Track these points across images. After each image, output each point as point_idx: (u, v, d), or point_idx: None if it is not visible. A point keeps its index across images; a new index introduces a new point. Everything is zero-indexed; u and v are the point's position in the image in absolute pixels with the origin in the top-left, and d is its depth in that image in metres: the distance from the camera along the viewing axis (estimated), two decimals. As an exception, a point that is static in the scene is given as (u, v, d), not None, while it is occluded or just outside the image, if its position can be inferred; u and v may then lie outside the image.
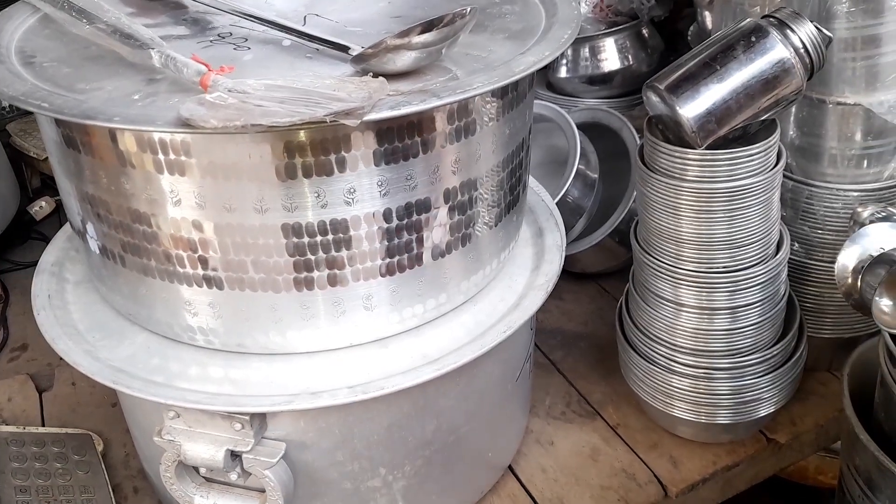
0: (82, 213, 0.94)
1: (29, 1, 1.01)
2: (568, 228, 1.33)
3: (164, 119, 0.70)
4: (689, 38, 1.73)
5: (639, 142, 1.50)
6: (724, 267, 1.06)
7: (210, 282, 0.87)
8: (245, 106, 0.64)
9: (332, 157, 0.80)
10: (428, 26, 0.79)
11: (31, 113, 2.11)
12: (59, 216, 2.02)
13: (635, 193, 1.46)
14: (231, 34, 0.97)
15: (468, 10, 0.78)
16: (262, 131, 0.68)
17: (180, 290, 0.89)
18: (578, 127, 1.53)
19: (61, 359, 1.52)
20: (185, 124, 0.66)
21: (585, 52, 1.83)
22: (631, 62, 1.85)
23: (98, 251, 0.95)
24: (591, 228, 1.53)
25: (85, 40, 0.93)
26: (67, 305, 1.03)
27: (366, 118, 0.68)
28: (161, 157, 0.80)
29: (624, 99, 1.89)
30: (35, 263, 1.79)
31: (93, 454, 1.23)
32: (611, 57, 1.84)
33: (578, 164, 1.45)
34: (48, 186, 2.06)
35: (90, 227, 0.94)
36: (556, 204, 1.24)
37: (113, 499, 1.15)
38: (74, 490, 1.13)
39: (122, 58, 0.88)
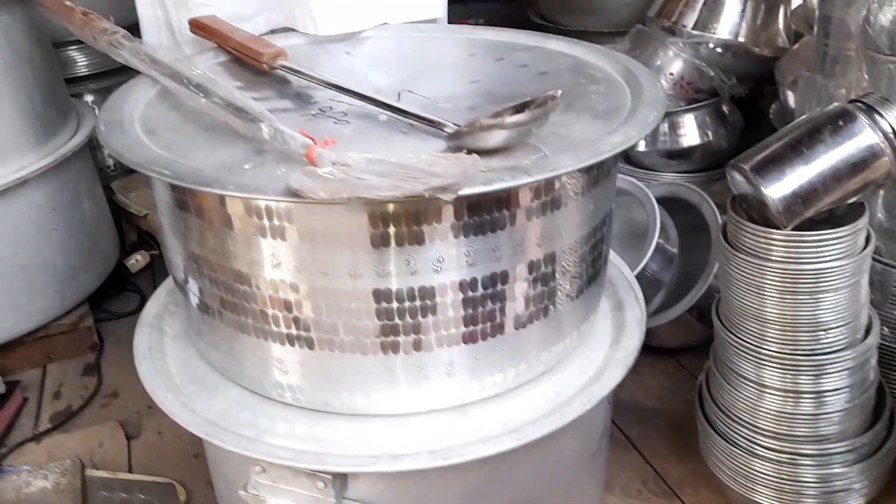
0: (185, 270, 1.00)
1: (150, 74, 1.10)
2: (646, 302, 1.33)
3: (274, 189, 0.76)
4: (770, 116, 1.74)
5: (719, 218, 1.50)
6: (810, 350, 1.04)
7: (301, 341, 0.91)
8: (349, 180, 0.68)
9: (424, 227, 0.84)
10: (520, 107, 0.83)
11: (133, 172, 2.28)
12: (152, 269, 2.13)
13: (716, 270, 1.46)
14: (331, 108, 1.03)
15: (558, 93, 0.82)
16: (364, 203, 0.72)
17: (272, 348, 0.94)
18: (658, 201, 1.54)
19: (149, 407, 1.60)
20: (295, 195, 0.71)
21: (665, 127, 1.86)
22: (710, 138, 1.87)
23: (197, 306, 1.01)
24: (670, 302, 1.52)
25: (200, 112, 1.01)
26: (166, 357, 1.08)
27: (460, 193, 0.71)
28: (265, 222, 0.85)
29: (703, 174, 1.90)
30: (129, 314, 1.93)
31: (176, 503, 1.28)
32: (690, 132, 1.86)
33: (658, 238, 1.45)
34: (144, 241, 2.18)
35: (192, 283, 1.00)
36: (636, 277, 1.25)
37: (192, 548, 1.19)
38: (157, 537, 1.18)
39: (233, 129, 0.95)
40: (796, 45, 1.69)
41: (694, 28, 1.79)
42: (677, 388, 1.54)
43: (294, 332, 0.91)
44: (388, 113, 0.98)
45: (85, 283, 1.76)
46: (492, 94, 1.05)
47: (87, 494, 1.17)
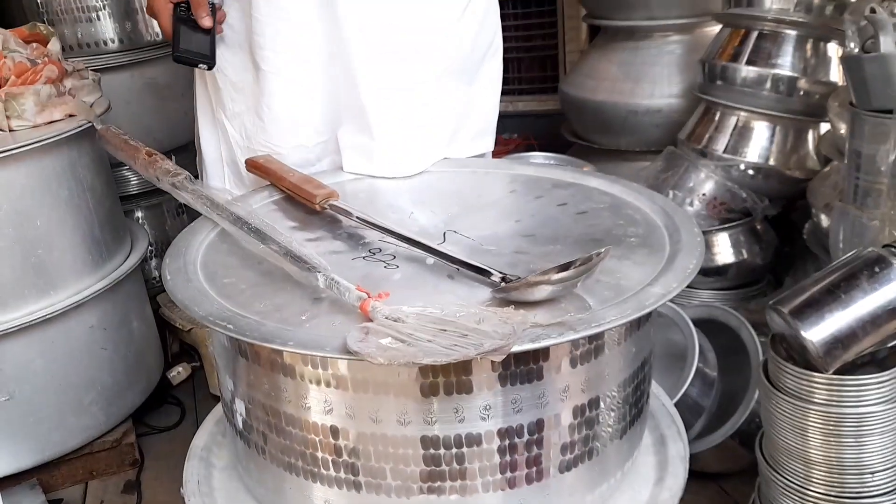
0: (237, 409, 1.03)
1: (211, 217, 1.16)
2: (687, 427, 1.33)
3: (332, 346, 0.79)
4: (804, 236, 1.76)
5: (758, 342, 1.51)
6: (857, 493, 1.03)
7: (349, 485, 0.93)
8: (405, 347, 0.72)
9: (471, 378, 0.86)
10: (566, 266, 0.86)
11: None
12: (192, 382, 2.17)
13: (757, 396, 1.46)
14: (381, 250, 1.08)
15: (604, 251, 0.86)
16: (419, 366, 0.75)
17: (321, 490, 0.96)
18: (695, 323, 1.56)
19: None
20: (355, 356, 0.75)
21: (699, 245, 1.89)
22: (745, 256, 1.89)
23: (245, 443, 1.04)
24: (711, 427, 1.52)
25: (257, 256, 1.06)
26: (214, 492, 1.10)
27: (508, 353, 0.75)
28: (318, 371, 0.89)
29: (739, 290, 1.92)
30: (170, 428, 1.96)
31: None
32: (724, 251, 1.89)
33: (697, 362, 1.46)
34: (185, 352, 2.23)
35: (240, 421, 1.03)
36: (675, 404, 1.25)
37: None
38: None
39: (288, 275, 1.00)
40: (828, 168, 1.73)
41: (724, 152, 1.85)
42: (721, 516, 1.51)
43: (342, 475, 0.93)
44: (436, 258, 1.03)
45: (130, 399, 1.80)
46: (534, 236, 1.09)
47: None
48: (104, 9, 2.16)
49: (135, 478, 1.77)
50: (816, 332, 0.97)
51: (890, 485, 1.03)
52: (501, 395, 0.89)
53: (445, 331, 0.78)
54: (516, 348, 0.77)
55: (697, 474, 1.59)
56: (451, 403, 0.88)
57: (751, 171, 1.84)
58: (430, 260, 1.03)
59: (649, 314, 1.01)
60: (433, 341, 0.75)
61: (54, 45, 1.71)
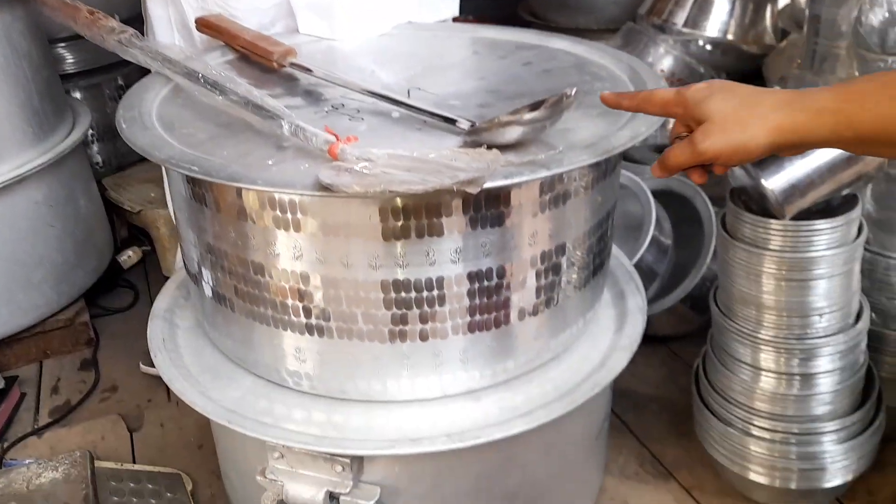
0: (201, 261, 1.02)
1: (163, 72, 1.11)
2: (642, 292, 1.38)
3: (303, 183, 0.78)
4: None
5: (712, 210, 1.55)
6: (805, 334, 1.09)
7: (319, 331, 0.94)
8: (380, 174, 0.71)
9: (437, 220, 0.86)
10: (535, 105, 0.86)
11: (123, 169, 2.28)
12: (144, 265, 2.13)
13: (709, 260, 1.51)
14: (343, 105, 1.05)
15: (573, 91, 0.85)
16: (394, 196, 0.74)
17: (290, 338, 0.96)
18: (651, 194, 1.58)
19: (149, 400, 1.61)
20: (327, 189, 0.74)
21: (654, 122, 1.90)
22: (698, 133, 1.91)
23: (212, 297, 1.03)
24: (664, 292, 1.57)
25: (214, 109, 1.03)
26: (179, 349, 1.10)
27: (484, 186, 0.75)
28: (286, 215, 0.88)
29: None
30: (124, 310, 1.94)
31: (183, 493, 1.30)
32: (679, 127, 1.90)
33: (653, 230, 1.49)
34: (134, 237, 2.18)
35: (207, 275, 1.02)
36: (632, 268, 1.29)
37: (204, 537, 1.21)
38: (169, 527, 1.19)
39: (249, 125, 0.97)
40: (784, 43, 1.74)
41: (684, 26, 1.84)
42: (671, 375, 1.58)
43: (312, 321, 0.94)
44: (402, 110, 1.01)
45: (81, 278, 1.76)
46: (499, 92, 1.08)
47: (97, 485, 1.18)
48: None
49: (91, 356, 1.76)
50: (776, 181, 1.00)
51: (836, 326, 1.09)
52: (470, 239, 0.89)
53: (419, 168, 0.77)
54: (490, 184, 0.77)
55: (649, 338, 1.64)
56: (417, 247, 0.88)
57: (709, 47, 1.84)
58: (396, 113, 1.02)
59: (617, 160, 1.02)
60: (402, 175, 0.74)
61: None
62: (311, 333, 0.95)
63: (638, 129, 0.91)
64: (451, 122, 0.95)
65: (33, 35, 1.60)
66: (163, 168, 1.59)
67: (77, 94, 2.28)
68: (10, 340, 1.67)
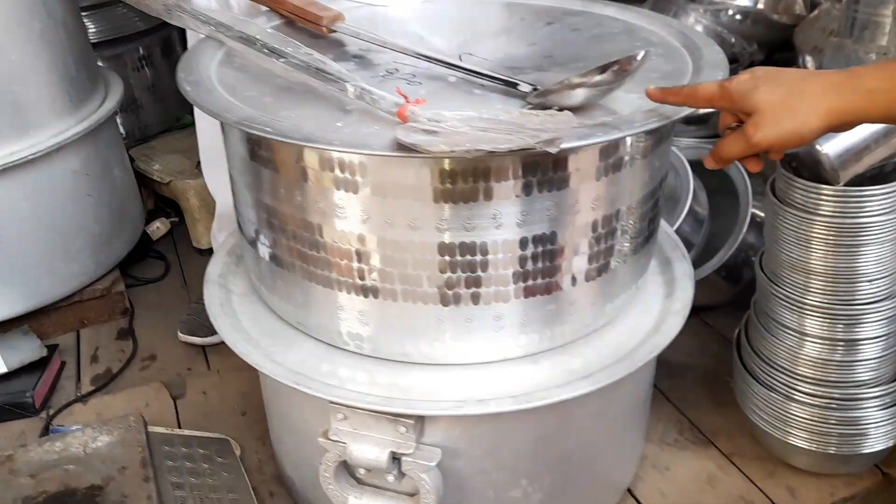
0: (258, 223, 1.03)
1: (215, 37, 1.12)
2: (678, 261, 1.39)
3: (381, 144, 0.79)
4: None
5: (747, 180, 1.56)
6: (852, 299, 1.10)
7: (380, 293, 0.95)
8: (468, 132, 0.72)
9: (495, 183, 0.87)
10: (603, 68, 0.86)
11: (149, 140, 2.28)
12: (172, 236, 2.14)
13: (744, 231, 1.52)
14: (398, 70, 1.06)
15: (640, 54, 0.86)
16: (482, 156, 0.74)
17: (352, 301, 0.98)
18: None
19: (189, 369, 1.63)
20: (410, 149, 0.75)
21: (683, 93, 1.90)
22: (727, 104, 1.91)
23: (270, 259, 1.04)
24: (698, 263, 1.58)
25: (270, 73, 1.03)
26: (237, 314, 1.12)
27: (562, 146, 0.75)
28: (340, 174, 0.88)
29: (718, 139, 1.95)
30: (156, 280, 1.95)
31: (233, 458, 1.32)
32: (708, 98, 1.90)
33: (691, 200, 1.50)
34: (160, 209, 2.19)
35: (264, 237, 1.03)
36: (672, 236, 1.30)
37: (255, 501, 1.23)
38: (222, 490, 1.21)
39: (309, 89, 0.97)
40: (815, 13, 1.74)
41: (714, -5, 1.83)
42: (705, 344, 1.60)
43: (371, 283, 0.95)
44: (458, 74, 1.01)
45: (116, 248, 1.78)
46: (552, 57, 1.08)
47: (152, 448, 1.20)
48: None
49: (127, 325, 1.77)
50: (832, 146, 1.01)
51: (884, 291, 1.10)
52: (528, 203, 0.90)
53: (493, 129, 0.78)
54: (568, 143, 0.78)
55: (682, 307, 1.67)
56: (480, 209, 0.88)
57: (739, 16, 1.83)
58: (452, 78, 1.02)
59: (670, 131, 1.03)
60: (485, 135, 0.75)
61: None
62: (373, 296, 0.96)
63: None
64: (513, 85, 0.95)
65: (68, 2, 1.59)
66: (198, 136, 1.60)
67: (99, 64, 2.27)
68: (48, 309, 1.68)
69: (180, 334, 1.69)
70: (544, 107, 0.87)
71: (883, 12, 1.31)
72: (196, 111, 1.57)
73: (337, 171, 0.89)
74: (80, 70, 1.62)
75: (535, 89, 0.93)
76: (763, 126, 0.76)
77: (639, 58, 0.86)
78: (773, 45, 1.93)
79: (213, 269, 1.20)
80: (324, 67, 0.95)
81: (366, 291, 0.96)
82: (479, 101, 0.95)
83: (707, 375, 1.52)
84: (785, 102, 0.75)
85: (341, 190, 0.91)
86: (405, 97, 0.85)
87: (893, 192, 1.04)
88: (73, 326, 1.75)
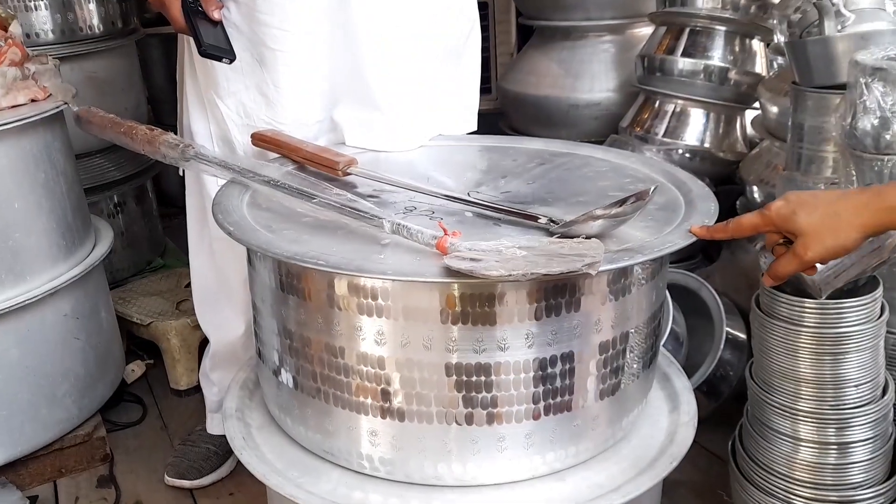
0: (281, 350, 1.07)
1: (240, 181, 1.19)
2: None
3: (432, 272, 0.86)
4: (737, 209, 1.96)
5: (719, 300, 1.68)
6: (841, 404, 1.19)
7: (407, 415, 0.99)
8: (519, 259, 0.80)
9: (514, 307, 0.94)
10: (621, 202, 0.97)
11: (126, 282, 2.29)
12: (147, 379, 2.11)
13: (722, 348, 1.62)
14: (416, 208, 1.14)
15: (653, 188, 0.97)
16: (535, 279, 0.82)
17: (381, 426, 1.00)
18: (657, 288, 1.71)
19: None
20: (465, 275, 0.81)
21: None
22: (684, 233, 2.06)
23: (294, 386, 1.07)
24: (679, 380, 1.66)
25: (296, 213, 1.10)
26: (259, 447, 1.12)
27: (600, 269, 0.84)
28: (380, 302, 0.95)
29: (680, 264, 2.09)
30: (135, 424, 1.91)
31: None
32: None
33: (671, 322, 1.61)
34: (133, 352, 2.17)
35: (288, 362, 1.06)
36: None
37: None
38: None
39: (341, 226, 1.05)
40: (756, 150, 1.94)
41: (664, 136, 2.02)
42: (693, 458, 1.64)
43: (403, 406, 0.98)
44: (475, 209, 1.10)
45: (100, 392, 1.75)
46: (554, 193, 1.19)
47: None
48: (44, -2, 2.09)
49: (108, 472, 1.71)
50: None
51: (868, 396, 1.20)
52: (539, 326, 0.96)
53: (535, 257, 0.86)
54: (606, 266, 0.87)
55: (667, 425, 1.73)
56: (494, 332, 0.94)
57: (688, 155, 2.03)
58: (469, 213, 1.11)
59: (666, 258, 1.13)
60: (528, 262, 0.83)
61: (16, 28, 1.66)
62: (399, 419, 0.99)
63: (702, 220, 1.03)
64: (532, 218, 1.05)
65: (68, 153, 1.65)
66: (192, 277, 1.63)
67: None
68: (25, 460, 1.63)
69: (168, 478, 1.65)
70: (569, 236, 0.96)
71: (826, 148, 1.48)
72: (191, 254, 1.61)
73: (370, 299, 0.95)
74: (76, 217, 1.66)
75: (551, 221, 1.03)
76: (812, 246, 0.89)
77: (651, 191, 0.97)
78: (720, 179, 2.13)
79: (230, 403, 1.21)
80: (357, 206, 1.03)
81: (393, 414, 1.00)
82: (502, 234, 1.03)
83: (699, 490, 1.57)
84: (824, 224, 0.89)
85: (372, 315, 0.96)
86: (444, 230, 0.93)
87: (868, 303, 1.16)
88: (51, 476, 1.69)
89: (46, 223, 1.56)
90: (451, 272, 0.84)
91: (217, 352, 1.63)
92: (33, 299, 1.51)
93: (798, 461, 1.24)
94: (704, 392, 1.67)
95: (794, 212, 0.91)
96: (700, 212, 1.07)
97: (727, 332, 1.67)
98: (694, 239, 0.98)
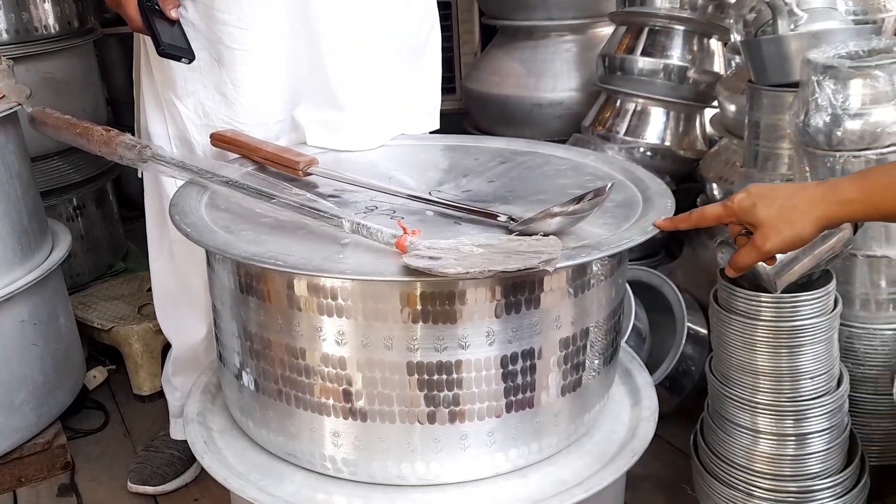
0: (242, 353, 1.06)
1: (198, 182, 1.18)
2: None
3: (391, 271, 0.86)
4: (698, 204, 1.98)
5: (680, 296, 1.70)
6: (798, 396, 1.22)
7: (369, 416, 0.99)
8: (476, 257, 0.80)
9: (475, 306, 0.94)
10: (578, 199, 0.97)
11: (87, 287, 2.25)
12: (109, 385, 2.08)
13: (683, 343, 1.64)
14: (377, 207, 1.14)
15: (609, 185, 0.98)
16: (492, 276, 0.83)
17: (343, 426, 1.00)
18: (620, 285, 1.72)
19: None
20: (423, 273, 0.82)
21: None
22: (646, 230, 2.09)
23: (255, 389, 1.06)
24: (643, 375, 1.68)
25: (255, 212, 1.09)
26: (221, 451, 1.11)
27: (558, 266, 0.84)
28: (340, 301, 0.94)
29: (640, 262, 2.12)
30: (94, 431, 1.88)
31: None
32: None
33: (633, 318, 1.62)
34: (95, 358, 2.13)
35: (249, 365, 1.06)
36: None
37: None
38: None
39: (301, 226, 1.04)
40: (715, 148, 1.97)
41: (626, 134, 2.04)
42: (656, 453, 1.67)
43: (365, 407, 0.98)
44: (436, 209, 1.10)
45: (59, 399, 1.72)
46: (514, 192, 1.20)
47: None
48: (-3, -3, 2.05)
49: (69, 481, 1.68)
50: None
51: (823, 388, 1.22)
52: (500, 323, 0.96)
53: (494, 254, 0.86)
54: (563, 263, 0.87)
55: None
56: (450, 331, 0.94)
57: (649, 153, 2.05)
58: (430, 212, 1.11)
59: (626, 254, 1.14)
60: (494, 256, 0.83)
61: (-33, 28, 1.62)
62: (361, 419, 0.99)
63: (660, 215, 1.04)
64: (492, 216, 1.05)
65: (23, 155, 1.62)
66: (153, 281, 1.61)
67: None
68: (-18, 468, 1.59)
69: (130, 484, 1.63)
70: (527, 233, 0.97)
71: (781, 145, 1.51)
72: (151, 257, 1.59)
73: (329, 299, 0.95)
74: (31, 221, 1.63)
75: (510, 219, 1.03)
76: (770, 237, 0.92)
77: (607, 188, 0.98)
78: (680, 177, 2.15)
79: (191, 408, 1.20)
80: (316, 205, 1.03)
81: (355, 415, 1.00)
82: (462, 232, 1.04)
83: (663, 484, 1.58)
84: (781, 215, 0.91)
85: (333, 316, 0.96)
86: (404, 228, 0.93)
87: (821, 296, 1.18)
88: (10, 486, 1.65)
89: (1, 228, 1.52)
90: (409, 271, 0.84)
91: (179, 356, 1.61)
92: (-12, 305, 1.48)
93: (757, 453, 1.26)
94: (667, 388, 1.69)
95: (755, 204, 0.93)
96: (657, 208, 1.08)
97: (689, 328, 1.69)
98: (651, 234, 0.99)
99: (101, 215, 2.43)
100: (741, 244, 0.97)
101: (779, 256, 1.13)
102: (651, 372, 1.67)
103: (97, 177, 2.41)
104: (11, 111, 1.52)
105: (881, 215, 0.89)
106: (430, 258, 0.85)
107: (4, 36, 2.09)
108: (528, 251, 0.85)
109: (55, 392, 1.69)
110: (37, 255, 1.64)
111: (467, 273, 0.79)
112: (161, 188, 1.49)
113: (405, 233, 0.93)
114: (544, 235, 0.93)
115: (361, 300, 0.94)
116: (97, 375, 2.05)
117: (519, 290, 0.96)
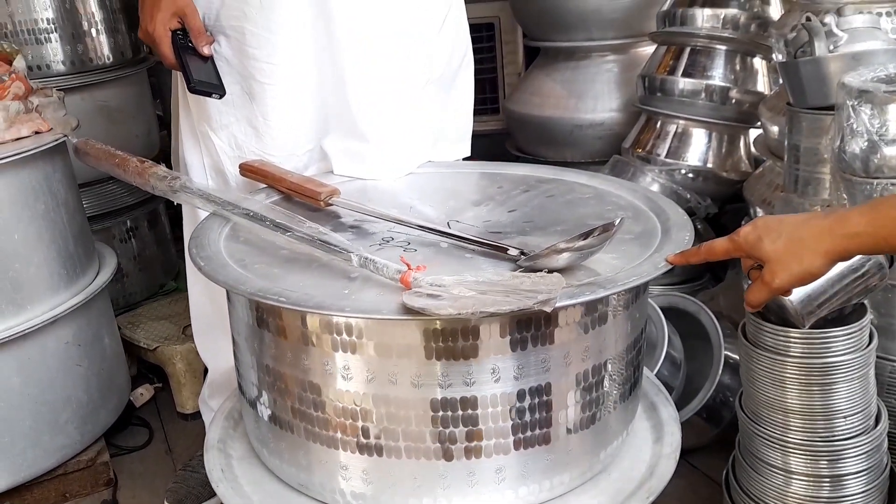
0: (258, 384, 1.08)
1: (221, 214, 1.20)
2: (660, 406, 1.44)
3: (390, 309, 0.86)
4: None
5: (717, 323, 1.65)
6: (831, 436, 1.16)
7: (383, 451, 0.99)
8: (470, 297, 0.79)
9: (487, 342, 0.93)
10: (586, 234, 0.96)
11: (135, 307, 2.33)
12: (155, 403, 2.14)
13: (720, 372, 1.59)
14: (393, 238, 1.15)
15: (618, 220, 0.96)
16: (486, 317, 0.82)
17: (356, 461, 1.00)
18: (657, 312, 1.68)
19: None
20: (419, 312, 0.81)
21: (647, 245, 2.03)
22: (689, 253, 2.04)
23: (270, 420, 1.07)
24: (678, 406, 1.63)
25: (274, 245, 1.11)
26: (237, 479, 1.13)
27: (556, 305, 0.83)
28: (341, 337, 0.95)
29: (684, 286, 2.07)
30: (140, 448, 1.93)
31: None
32: (671, 249, 2.03)
33: (667, 345, 1.58)
34: (144, 375, 2.20)
35: (264, 396, 1.07)
36: (652, 382, 1.36)
37: None
38: None
39: (314, 259, 1.05)
40: (760, 169, 1.91)
41: (667, 157, 2.00)
42: (692, 487, 1.62)
43: (379, 442, 0.98)
44: (451, 240, 1.10)
45: (103, 418, 1.77)
46: (532, 222, 1.19)
47: None
48: (54, 31, 2.15)
49: (111, 497, 1.73)
50: (795, 293, 1.10)
51: (859, 427, 1.17)
52: (512, 359, 0.96)
53: (489, 292, 0.85)
54: (562, 302, 0.86)
55: (668, 451, 1.70)
56: (461, 367, 0.94)
57: (691, 175, 2.00)
58: (444, 244, 1.11)
59: (647, 285, 1.12)
60: (487, 297, 0.82)
61: (20, 63, 1.70)
62: (376, 454, 0.99)
63: (674, 251, 1.01)
64: (502, 249, 1.04)
65: (70, 183, 1.69)
66: (191, 305, 1.65)
67: (89, 237, 2.35)
68: (29, 485, 1.65)
69: (167, 503, 1.67)
70: (533, 270, 0.96)
71: (822, 170, 1.46)
72: (189, 282, 1.63)
73: (344, 335, 0.96)
74: (77, 246, 1.69)
75: (521, 253, 1.02)
76: (778, 273, 0.88)
77: (616, 223, 0.96)
78: (724, 199, 2.10)
79: (213, 434, 1.22)
80: (327, 239, 1.04)
81: (368, 450, 1.00)
82: (472, 265, 1.03)
83: (699, 519, 1.53)
84: (788, 250, 0.87)
85: (345, 352, 0.97)
86: (408, 265, 0.93)
87: (855, 332, 1.13)
88: (55, 501, 1.71)
89: (46, 253, 1.59)
90: (406, 310, 0.84)
91: (214, 380, 1.65)
92: (33, 328, 1.54)
93: (791, 494, 1.21)
94: (704, 418, 1.64)
95: (760, 238, 0.89)
96: (674, 241, 1.05)
97: (727, 357, 1.64)
98: (662, 270, 0.97)
99: (154, 236, 2.51)
100: (754, 278, 0.93)
101: (805, 289, 1.09)
102: (688, 401, 1.64)
103: (150, 199, 2.49)
104: (57, 142, 1.59)
105: (891, 248, 0.84)
106: (430, 296, 0.85)
107: (61, 67, 2.18)
108: (528, 290, 0.84)
109: (99, 411, 1.74)
110: (82, 278, 1.70)
111: (459, 314, 0.79)
112: (196, 215, 1.53)
113: (409, 269, 0.93)
114: (549, 272, 0.91)
115: (371, 337, 0.95)
116: (144, 393, 2.11)
117: (531, 326, 0.95)
